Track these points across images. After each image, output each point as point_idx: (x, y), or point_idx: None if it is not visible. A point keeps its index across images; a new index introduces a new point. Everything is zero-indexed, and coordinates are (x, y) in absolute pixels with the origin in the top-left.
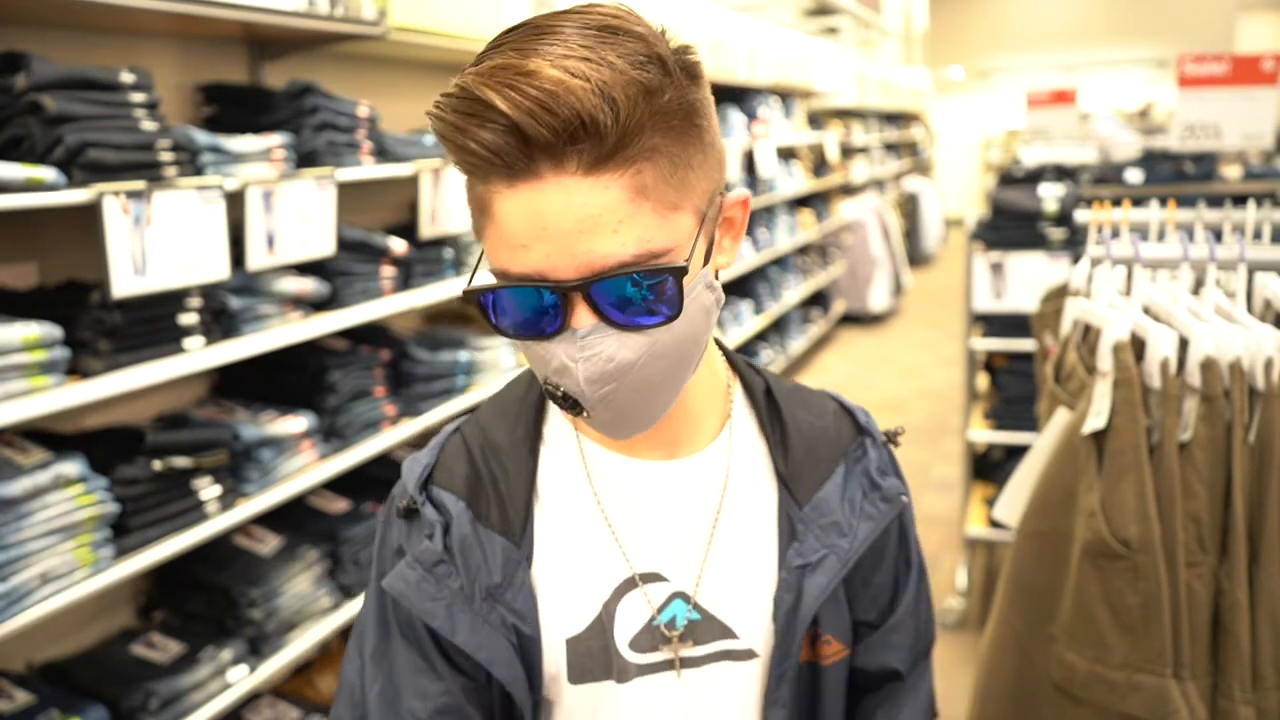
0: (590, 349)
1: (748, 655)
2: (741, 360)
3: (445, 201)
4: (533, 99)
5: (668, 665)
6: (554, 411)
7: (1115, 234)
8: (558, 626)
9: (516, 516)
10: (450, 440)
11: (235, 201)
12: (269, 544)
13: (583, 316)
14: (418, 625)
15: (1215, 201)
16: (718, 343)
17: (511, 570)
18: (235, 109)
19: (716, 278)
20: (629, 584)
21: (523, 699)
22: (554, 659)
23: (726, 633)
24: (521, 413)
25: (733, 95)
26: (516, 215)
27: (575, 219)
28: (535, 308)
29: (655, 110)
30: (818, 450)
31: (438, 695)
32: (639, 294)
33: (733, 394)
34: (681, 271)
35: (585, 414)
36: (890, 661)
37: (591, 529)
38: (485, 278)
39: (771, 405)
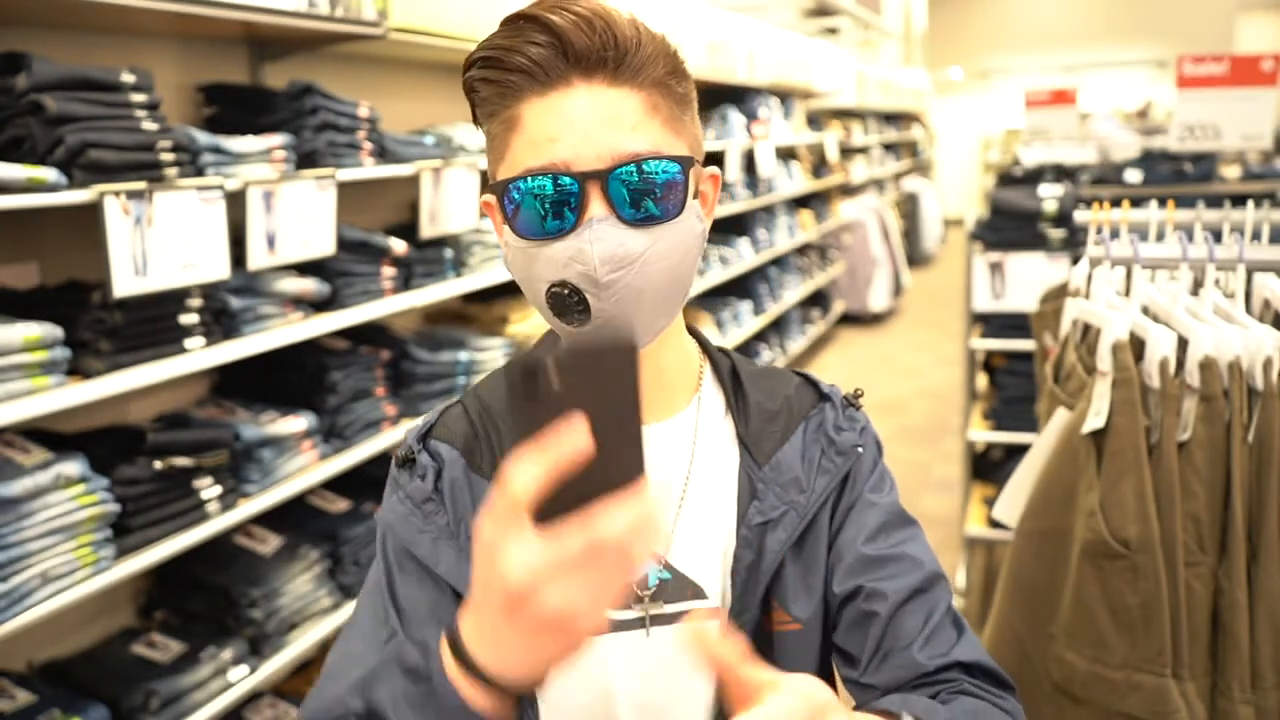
0: (603, 234)
1: (714, 614)
2: (713, 345)
3: (445, 201)
4: (579, 15)
5: (638, 623)
6: None
7: (1114, 234)
8: None
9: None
10: (451, 407)
11: (236, 201)
12: (269, 544)
13: (597, 207)
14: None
15: (1214, 202)
16: (693, 331)
17: None
18: (235, 109)
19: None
20: None
21: None
22: None
23: (696, 592)
24: None
25: (732, 95)
26: (548, 115)
27: (600, 116)
28: (555, 199)
29: (668, 55)
30: (778, 417)
31: (435, 626)
32: (650, 188)
33: (703, 373)
34: (689, 162)
35: (588, 315)
36: (858, 580)
37: None
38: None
39: (736, 382)
